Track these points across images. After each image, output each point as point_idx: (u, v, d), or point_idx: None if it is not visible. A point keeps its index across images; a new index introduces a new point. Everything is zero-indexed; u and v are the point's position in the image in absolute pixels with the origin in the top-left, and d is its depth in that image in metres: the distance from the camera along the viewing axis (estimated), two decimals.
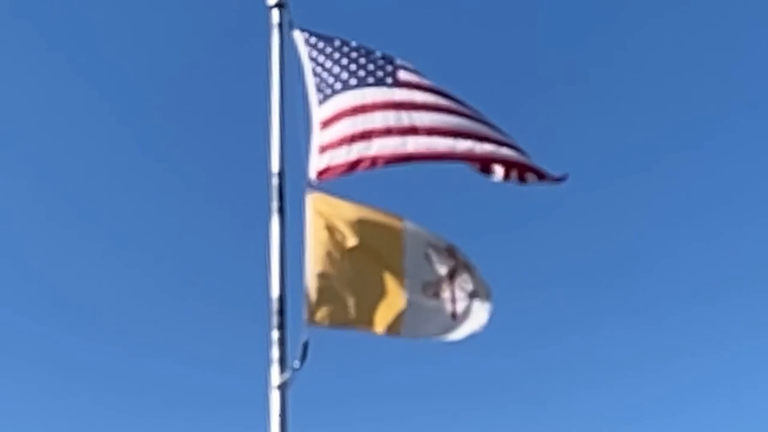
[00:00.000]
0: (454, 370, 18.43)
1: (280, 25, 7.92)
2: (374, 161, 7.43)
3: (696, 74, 21.42)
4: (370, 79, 7.73)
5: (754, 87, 21.28)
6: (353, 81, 7.70)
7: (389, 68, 7.81)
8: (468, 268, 7.62)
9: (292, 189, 7.47)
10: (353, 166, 7.41)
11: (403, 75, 7.81)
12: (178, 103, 20.54)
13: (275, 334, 7.04)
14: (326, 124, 7.57)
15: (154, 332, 19.38)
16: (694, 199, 21.50)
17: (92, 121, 20.17)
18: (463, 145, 7.50)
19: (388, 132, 7.50)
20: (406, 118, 7.56)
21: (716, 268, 20.81)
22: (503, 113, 7.85)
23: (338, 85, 7.70)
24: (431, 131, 7.52)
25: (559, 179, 7.72)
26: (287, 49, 7.87)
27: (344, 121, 7.55)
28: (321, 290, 7.21)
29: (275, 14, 7.94)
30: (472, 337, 7.56)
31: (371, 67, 7.80)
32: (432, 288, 7.49)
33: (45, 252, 19.96)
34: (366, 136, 7.48)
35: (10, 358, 18.39)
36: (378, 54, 7.91)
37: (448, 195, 17.94)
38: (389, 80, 7.76)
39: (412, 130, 7.52)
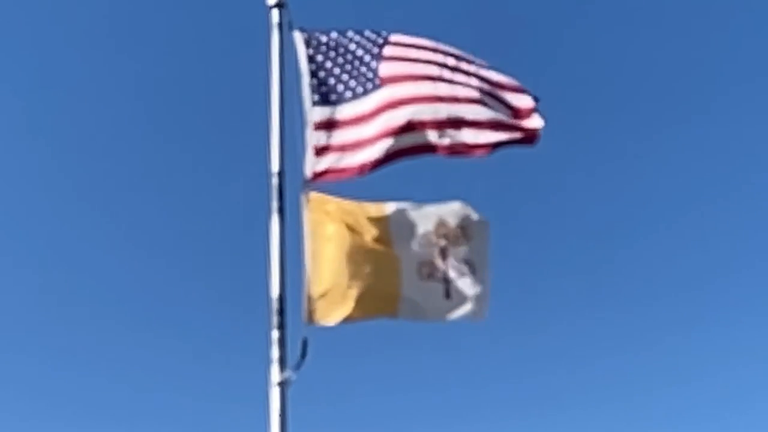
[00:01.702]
0: (454, 370, 18.52)
1: (280, 25, 7.94)
2: (370, 166, 7.58)
3: None
4: (360, 90, 7.80)
5: None
6: (349, 93, 7.78)
7: (374, 64, 7.85)
8: (463, 235, 7.67)
9: (291, 189, 7.51)
10: (352, 171, 7.58)
11: (384, 68, 7.83)
12: (177, 103, 20.55)
13: (275, 334, 7.06)
14: (323, 126, 7.66)
15: (154, 332, 19.39)
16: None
17: (91, 121, 20.19)
18: (447, 136, 7.62)
19: (379, 137, 7.61)
20: (392, 119, 7.63)
21: None
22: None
23: (343, 93, 7.79)
24: (412, 126, 7.61)
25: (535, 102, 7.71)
26: (287, 49, 7.89)
27: (343, 129, 7.68)
28: (319, 289, 7.29)
29: (275, 14, 7.96)
30: (471, 324, 7.66)
31: (364, 69, 7.84)
32: (426, 268, 7.55)
33: (45, 252, 19.98)
34: (361, 145, 7.63)
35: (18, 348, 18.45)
36: (371, 50, 7.93)
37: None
38: (377, 81, 7.80)
39: (399, 130, 7.61)
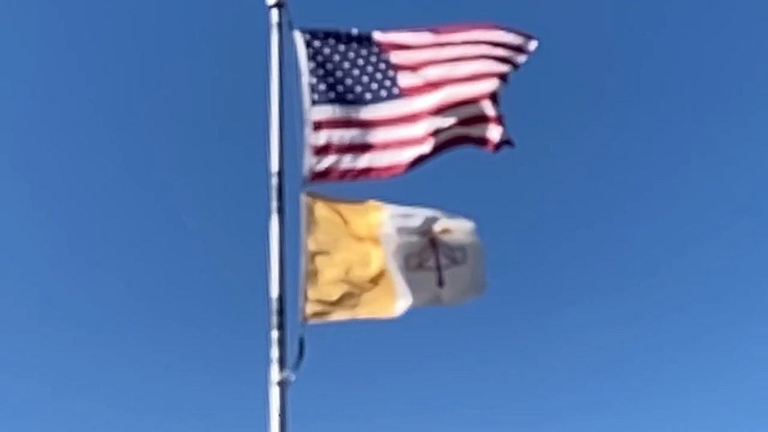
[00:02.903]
0: (455, 370, 18.54)
1: (280, 25, 7.95)
2: (375, 173, 7.68)
3: None
4: (368, 96, 7.84)
5: None
6: (350, 96, 7.82)
7: (391, 73, 7.89)
8: (450, 227, 7.71)
9: (291, 189, 7.52)
10: (352, 174, 7.64)
11: (402, 80, 7.89)
12: (177, 103, 20.56)
13: (275, 334, 7.08)
14: (323, 126, 7.69)
15: (154, 333, 19.40)
16: None
17: (91, 122, 20.21)
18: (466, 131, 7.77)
19: (387, 146, 7.71)
20: (409, 131, 7.74)
21: None
22: None
23: (344, 93, 7.82)
24: (428, 136, 7.72)
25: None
26: (287, 48, 7.90)
27: (348, 129, 7.73)
28: (316, 288, 7.33)
29: (274, 14, 7.96)
30: (465, 305, 7.75)
31: (379, 76, 7.89)
32: (416, 258, 7.57)
33: (43, 252, 20.00)
34: (368, 148, 7.70)
35: (5, 366, 18.39)
36: (380, 54, 7.96)
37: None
38: (395, 90, 7.86)
39: (415, 141, 7.72)
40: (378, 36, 8.01)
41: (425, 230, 7.65)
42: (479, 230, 7.79)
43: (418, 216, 7.68)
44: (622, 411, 19.09)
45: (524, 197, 20.91)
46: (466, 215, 7.82)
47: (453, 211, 7.80)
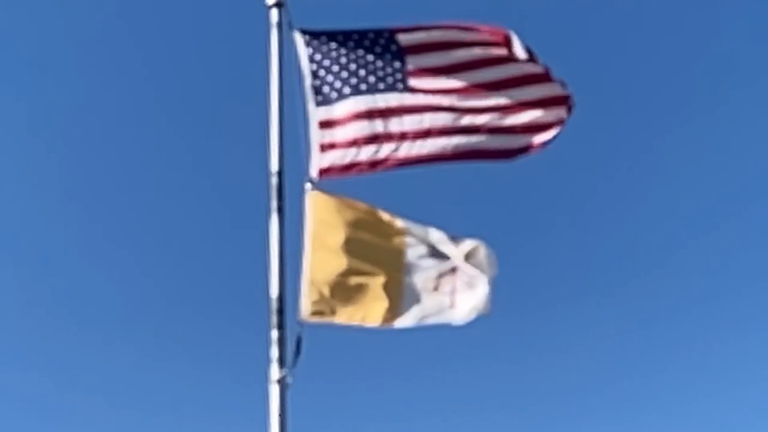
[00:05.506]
0: (453, 367, 18.54)
1: (279, 25, 7.95)
2: (380, 164, 7.69)
3: None
4: (381, 85, 7.84)
5: None
6: (348, 90, 7.80)
7: (399, 75, 7.89)
8: (472, 254, 7.63)
9: (291, 188, 7.53)
10: (359, 168, 7.66)
11: (413, 80, 7.89)
12: (176, 103, 20.53)
13: (274, 334, 7.08)
14: (329, 125, 7.70)
15: (153, 332, 19.40)
16: None
17: (89, 120, 20.20)
18: (471, 140, 7.81)
19: (398, 137, 7.72)
20: (417, 122, 7.76)
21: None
22: None
23: (346, 90, 7.81)
24: (441, 132, 7.75)
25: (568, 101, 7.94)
26: (286, 48, 7.90)
27: (351, 123, 7.72)
28: (317, 287, 7.31)
29: (274, 13, 7.97)
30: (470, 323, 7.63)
31: (380, 73, 7.88)
32: (433, 282, 7.54)
33: (42, 252, 20.00)
34: (374, 140, 7.71)
35: (9, 361, 18.40)
36: (386, 53, 7.95)
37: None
38: (400, 86, 7.86)
39: (425, 134, 7.73)
40: (395, 35, 7.99)
41: (447, 254, 7.60)
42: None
43: (439, 237, 7.62)
44: (633, 412, 19.11)
45: (522, 195, 20.86)
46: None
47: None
